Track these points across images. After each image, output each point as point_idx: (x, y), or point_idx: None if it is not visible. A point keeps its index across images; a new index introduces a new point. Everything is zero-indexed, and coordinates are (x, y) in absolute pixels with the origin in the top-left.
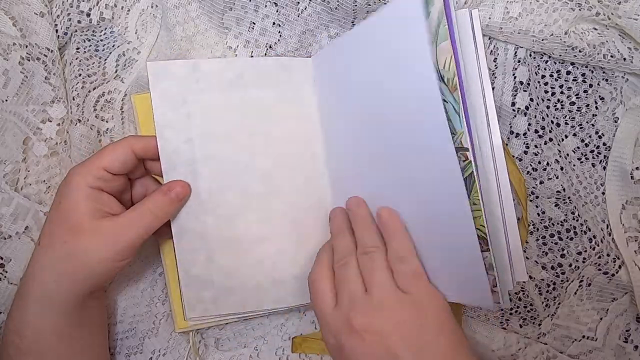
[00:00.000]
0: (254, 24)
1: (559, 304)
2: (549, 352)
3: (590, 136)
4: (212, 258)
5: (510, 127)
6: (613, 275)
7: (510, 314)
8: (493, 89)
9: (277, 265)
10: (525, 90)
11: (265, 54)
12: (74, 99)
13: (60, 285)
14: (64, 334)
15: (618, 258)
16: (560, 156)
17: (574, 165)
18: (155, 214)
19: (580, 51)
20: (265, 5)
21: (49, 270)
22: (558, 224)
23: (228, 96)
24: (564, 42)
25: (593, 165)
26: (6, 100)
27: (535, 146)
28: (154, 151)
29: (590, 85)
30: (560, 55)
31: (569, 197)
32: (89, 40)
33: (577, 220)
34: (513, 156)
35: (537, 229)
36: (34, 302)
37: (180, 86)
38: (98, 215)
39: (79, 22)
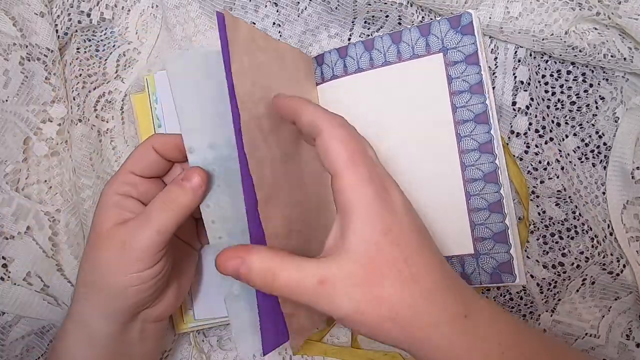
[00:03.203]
0: (254, 24)
1: (559, 300)
2: None
3: (590, 136)
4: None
5: (511, 126)
6: (618, 275)
7: (510, 311)
8: (493, 88)
9: None
10: (525, 90)
11: None
12: (74, 99)
13: (89, 303)
14: None
15: (622, 257)
16: (560, 156)
17: (575, 165)
18: (170, 209)
19: (580, 51)
20: (266, 6)
21: (80, 287)
22: (559, 223)
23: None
24: (564, 41)
25: (593, 165)
26: (6, 101)
27: (536, 146)
28: (170, 146)
29: (591, 85)
30: (560, 55)
31: (569, 197)
32: (90, 41)
33: (578, 220)
34: (514, 156)
35: (538, 229)
36: (70, 322)
37: None
38: (118, 222)
39: (79, 22)
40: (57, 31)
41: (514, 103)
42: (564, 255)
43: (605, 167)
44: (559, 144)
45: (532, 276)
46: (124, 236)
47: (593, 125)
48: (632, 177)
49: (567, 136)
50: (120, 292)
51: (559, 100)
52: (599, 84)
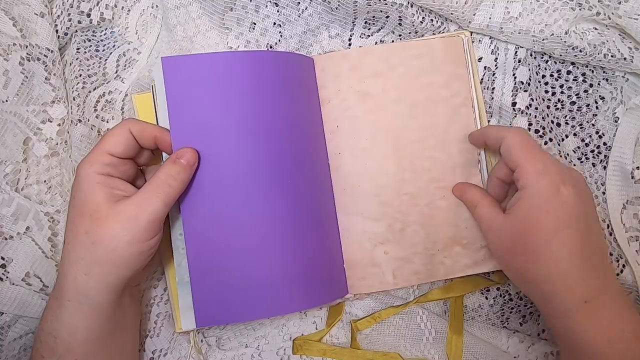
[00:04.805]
0: (255, 24)
1: None
2: (553, 349)
3: (590, 136)
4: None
5: (511, 127)
6: (617, 275)
7: (510, 312)
8: (493, 89)
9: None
10: (525, 90)
11: None
12: (74, 99)
13: (92, 277)
14: (101, 334)
15: (621, 257)
16: (560, 156)
17: (574, 165)
18: (169, 184)
19: (580, 51)
20: (266, 6)
21: (77, 264)
22: None
23: None
24: (565, 41)
25: (593, 165)
26: (6, 101)
27: None
28: (148, 136)
29: (591, 85)
30: (560, 55)
31: None
32: (90, 41)
33: None
34: None
35: None
36: (68, 300)
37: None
38: (113, 199)
39: (79, 22)
40: (57, 31)
41: (514, 103)
42: None
43: (605, 167)
44: (558, 144)
45: None
46: (133, 210)
47: (593, 125)
48: (632, 177)
49: (567, 136)
50: (127, 262)
51: (559, 100)
52: (599, 84)
